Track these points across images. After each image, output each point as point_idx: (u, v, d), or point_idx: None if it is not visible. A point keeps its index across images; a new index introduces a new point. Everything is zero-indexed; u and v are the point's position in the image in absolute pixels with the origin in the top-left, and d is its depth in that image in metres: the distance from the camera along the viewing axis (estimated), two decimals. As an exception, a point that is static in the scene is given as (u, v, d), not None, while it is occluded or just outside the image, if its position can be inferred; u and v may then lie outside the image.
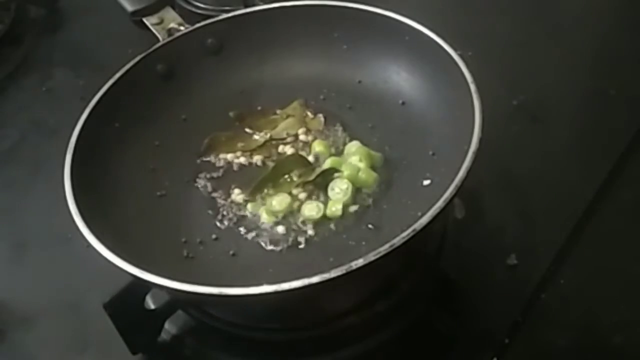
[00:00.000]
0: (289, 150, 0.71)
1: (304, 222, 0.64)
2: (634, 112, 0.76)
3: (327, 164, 0.67)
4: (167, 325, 0.62)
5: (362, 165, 0.66)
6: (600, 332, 0.60)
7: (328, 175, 0.66)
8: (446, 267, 0.65)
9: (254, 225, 0.65)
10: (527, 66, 0.82)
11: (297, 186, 0.66)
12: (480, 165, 0.56)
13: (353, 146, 0.68)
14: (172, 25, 0.76)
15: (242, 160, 0.71)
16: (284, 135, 0.72)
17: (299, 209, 0.65)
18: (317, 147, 0.69)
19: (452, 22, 0.84)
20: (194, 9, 0.93)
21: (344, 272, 0.50)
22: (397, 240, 0.51)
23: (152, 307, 0.60)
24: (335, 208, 0.64)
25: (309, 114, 0.74)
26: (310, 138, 0.71)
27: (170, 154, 0.71)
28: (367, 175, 0.65)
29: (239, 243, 0.64)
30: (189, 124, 0.74)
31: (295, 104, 0.74)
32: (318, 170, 0.66)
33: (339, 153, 0.69)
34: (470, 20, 0.89)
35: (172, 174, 0.70)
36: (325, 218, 0.64)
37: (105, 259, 0.54)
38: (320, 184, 0.66)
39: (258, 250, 0.63)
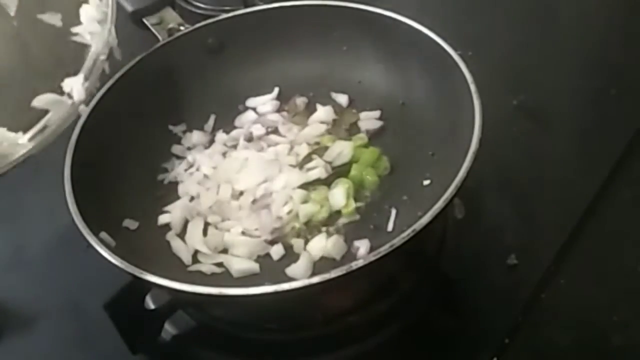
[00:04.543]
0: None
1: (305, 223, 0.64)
2: (634, 112, 0.76)
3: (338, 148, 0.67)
4: (167, 325, 0.62)
5: (363, 165, 0.66)
6: (600, 332, 0.59)
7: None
8: (446, 267, 0.65)
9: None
10: (527, 66, 0.82)
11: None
12: (480, 165, 0.56)
13: (359, 139, 0.69)
14: (172, 25, 0.76)
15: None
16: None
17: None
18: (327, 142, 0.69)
19: (452, 22, 0.84)
20: (194, 9, 0.93)
21: (344, 272, 0.50)
22: (397, 240, 0.51)
23: (152, 307, 0.60)
24: (336, 208, 0.64)
25: (309, 113, 0.74)
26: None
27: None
28: (367, 176, 0.65)
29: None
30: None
31: (295, 104, 0.74)
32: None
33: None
34: (470, 20, 0.89)
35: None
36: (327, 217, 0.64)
37: (105, 259, 0.54)
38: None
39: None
